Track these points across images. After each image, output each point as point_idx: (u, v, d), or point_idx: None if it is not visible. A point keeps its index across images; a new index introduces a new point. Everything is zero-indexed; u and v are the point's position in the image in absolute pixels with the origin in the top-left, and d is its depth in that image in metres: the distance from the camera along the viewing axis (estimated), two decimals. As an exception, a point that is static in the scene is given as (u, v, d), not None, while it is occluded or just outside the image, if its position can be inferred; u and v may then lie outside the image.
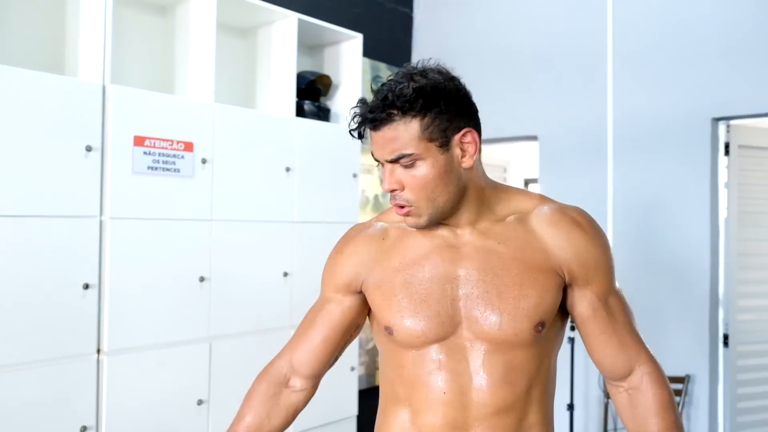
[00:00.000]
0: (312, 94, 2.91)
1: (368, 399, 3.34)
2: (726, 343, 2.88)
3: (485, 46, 3.44)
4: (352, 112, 1.17)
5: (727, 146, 2.88)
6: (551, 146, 3.24)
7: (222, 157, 2.42)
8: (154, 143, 2.22)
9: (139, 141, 2.17)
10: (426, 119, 1.12)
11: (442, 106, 1.13)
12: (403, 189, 1.14)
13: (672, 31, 2.91)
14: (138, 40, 2.54)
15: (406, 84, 1.12)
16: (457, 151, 1.15)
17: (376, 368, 3.45)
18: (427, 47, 3.68)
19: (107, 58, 2.13)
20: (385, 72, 3.54)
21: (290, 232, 2.66)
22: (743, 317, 2.92)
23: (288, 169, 2.64)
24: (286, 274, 2.62)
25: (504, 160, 4.20)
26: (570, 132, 3.18)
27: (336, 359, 1.36)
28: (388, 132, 1.12)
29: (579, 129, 3.15)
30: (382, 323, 1.23)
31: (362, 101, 1.16)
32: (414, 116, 1.11)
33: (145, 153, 2.19)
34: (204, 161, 2.36)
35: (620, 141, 3.03)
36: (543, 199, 1.26)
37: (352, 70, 3.04)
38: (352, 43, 3.03)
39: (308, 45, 3.09)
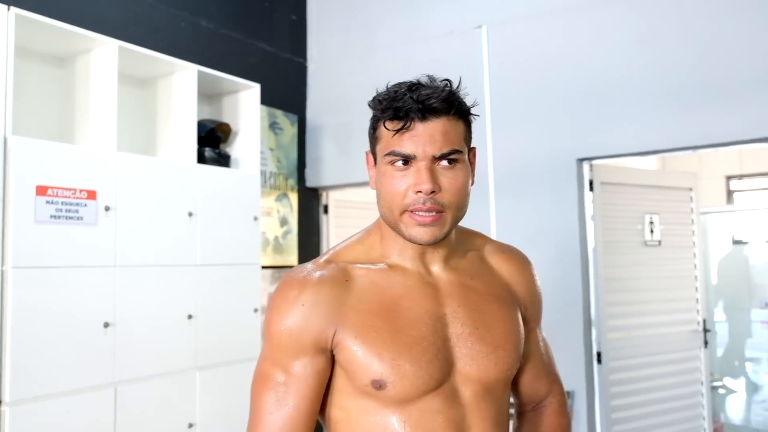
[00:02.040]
0: (212, 141, 3.02)
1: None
2: (599, 360, 3.19)
3: (373, 92, 3.67)
4: (394, 92, 1.07)
5: (591, 183, 3.24)
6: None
7: (125, 204, 2.47)
8: (57, 192, 2.25)
9: (41, 190, 2.21)
10: (466, 125, 1.11)
11: (470, 117, 1.12)
12: (440, 192, 1.05)
13: (540, 83, 3.26)
14: (39, 91, 2.57)
15: (459, 92, 1.10)
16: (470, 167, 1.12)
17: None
18: (321, 95, 3.89)
19: (8, 109, 2.17)
20: (282, 118, 3.71)
21: (193, 275, 2.73)
22: (613, 336, 3.25)
23: (190, 214, 2.72)
24: (190, 317, 2.68)
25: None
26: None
27: None
28: (441, 125, 1.05)
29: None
30: (367, 378, 1.04)
31: (400, 87, 1.07)
32: (461, 118, 1.09)
33: (47, 202, 2.22)
34: (107, 209, 2.41)
35: (500, 180, 3.33)
36: (485, 236, 1.27)
37: (250, 118, 3.17)
38: (250, 92, 3.18)
39: (208, 94, 3.21)
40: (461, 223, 1.17)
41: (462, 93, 1.11)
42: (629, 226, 3.39)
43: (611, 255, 3.29)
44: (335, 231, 3.98)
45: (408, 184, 1.05)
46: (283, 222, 3.69)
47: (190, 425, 2.65)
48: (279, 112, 3.70)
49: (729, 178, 5.31)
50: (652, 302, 3.41)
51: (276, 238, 3.64)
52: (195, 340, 2.71)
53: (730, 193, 5.36)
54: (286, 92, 3.79)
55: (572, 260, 3.16)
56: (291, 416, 1.04)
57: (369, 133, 1.14)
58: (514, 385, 1.27)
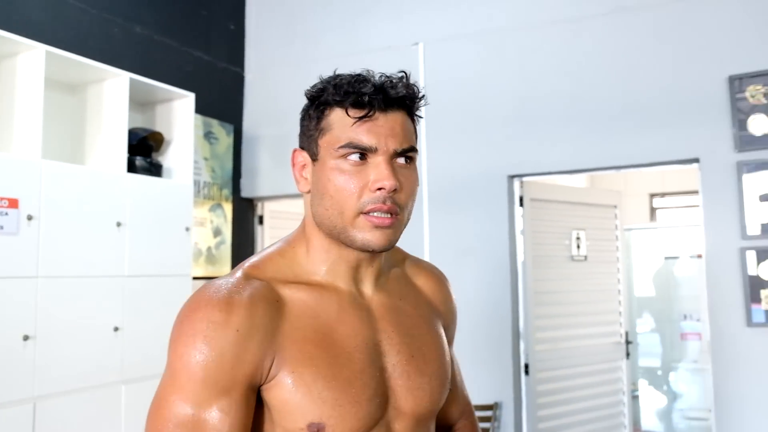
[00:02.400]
0: (144, 150, 2.96)
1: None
2: (527, 372, 3.28)
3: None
4: (351, 78, 0.96)
5: (521, 199, 3.34)
6: (374, 199, 3.53)
7: (49, 213, 2.40)
8: (-24, 200, 2.17)
9: (-42, 198, 2.12)
10: (415, 126, 1.01)
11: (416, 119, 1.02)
12: (400, 190, 0.94)
13: (474, 101, 3.34)
14: (-44, 95, 2.47)
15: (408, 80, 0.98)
16: None
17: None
18: (258, 105, 3.87)
19: (-76, 113, 2.08)
20: (218, 128, 3.67)
21: (121, 286, 2.66)
22: (540, 348, 3.35)
23: (119, 224, 2.66)
24: (116, 329, 2.62)
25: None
26: (391, 186, 3.49)
27: None
28: (401, 119, 0.96)
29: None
30: (303, 421, 0.88)
31: (351, 76, 0.97)
32: (414, 119, 1.00)
33: (-35, 210, 2.14)
34: (30, 217, 2.33)
35: (434, 195, 3.39)
36: (402, 251, 1.15)
37: (184, 127, 3.13)
38: (184, 101, 3.14)
39: (140, 102, 3.15)
40: None
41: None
42: (557, 242, 3.50)
43: (540, 269, 3.39)
44: (270, 242, 3.95)
45: (364, 181, 0.92)
46: (217, 232, 3.65)
47: (115, 441, 2.58)
48: (215, 122, 3.66)
49: (652, 195, 5.56)
50: (578, 315, 3.53)
51: (209, 248, 3.59)
52: (121, 353, 2.64)
53: (653, 210, 5.60)
54: (222, 102, 3.76)
55: (502, 274, 3.24)
56: None
57: (307, 125, 0.99)
58: None
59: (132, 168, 2.85)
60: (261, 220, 3.97)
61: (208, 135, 3.61)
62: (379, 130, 0.93)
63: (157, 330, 2.80)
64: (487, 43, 3.34)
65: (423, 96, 0.99)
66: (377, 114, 0.93)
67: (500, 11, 3.34)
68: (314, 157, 0.97)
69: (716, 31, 2.89)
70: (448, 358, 1.06)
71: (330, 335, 0.93)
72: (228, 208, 3.74)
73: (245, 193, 3.86)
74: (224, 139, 3.73)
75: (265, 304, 0.90)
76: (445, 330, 1.11)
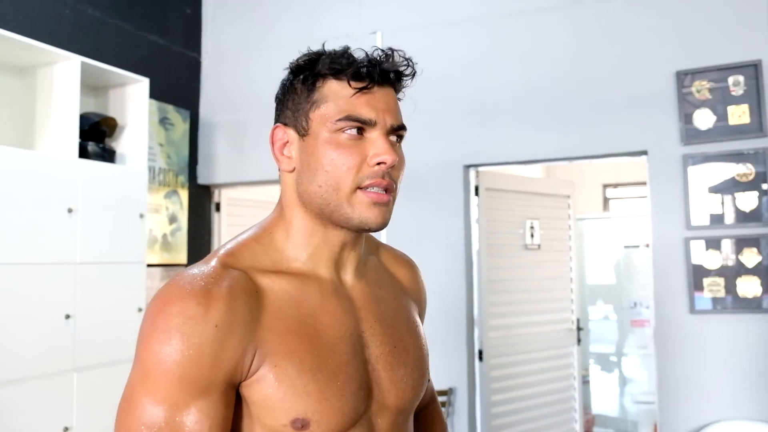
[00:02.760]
0: (96, 135, 2.91)
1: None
2: (481, 358, 3.35)
3: (271, 93, 3.63)
4: (347, 49, 0.94)
5: (477, 189, 3.39)
6: (332, 187, 3.54)
7: (-3, 198, 2.35)
8: None
9: None
10: None
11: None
12: (394, 169, 0.91)
13: (431, 91, 3.37)
14: None
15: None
16: None
17: None
18: (215, 91, 3.83)
19: None
20: (174, 114, 3.62)
21: (72, 273, 2.63)
22: (493, 334, 3.42)
23: (70, 210, 2.62)
24: (68, 316, 2.59)
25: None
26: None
27: None
28: (393, 94, 0.96)
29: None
30: (287, 417, 0.84)
31: (353, 51, 0.94)
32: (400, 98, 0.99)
33: None
34: (-24, 203, 2.28)
35: (391, 183, 3.41)
36: (373, 238, 1.12)
37: (138, 112, 3.09)
38: (138, 86, 3.09)
39: (93, 86, 3.09)
40: None
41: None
42: (511, 231, 3.57)
43: (494, 257, 3.45)
44: (228, 229, 3.94)
45: (363, 156, 0.88)
46: (173, 219, 3.61)
47: (66, 429, 2.55)
48: (170, 107, 3.61)
49: (606, 186, 5.69)
50: (531, 302, 3.61)
51: (164, 235, 3.56)
52: (73, 340, 2.61)
53: (606, 201, 5.74)
54: (178, 87, 3.71)
55: (457, 262, 3.29)
56: None
57: (292, 98, 0.95)
58: None
59: (84, 154, 2.80)
60: (218, 207, 3.94)
61: (163, 121, 3.56)
62: (377, 104, 0.90)
63: (111, 317, 2.77)
64: (444, 34, 3.37)
65: (415, 73, 0.98)
66: (375, 87, 0.91)
67: (458, 3, 3.37)
68: (303, 132, 0.92)
69: (666, 28, 2.97)
70: (426, 348, 1.03)
71: (313, 326, 0.88)
72: (184, 194, 3.70)
73: (202, 179, 3.83)
74: (180, 125, 3.69)
75: (244, 296, 0.84)
76: (419, 318, 1.10)
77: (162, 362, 0.78)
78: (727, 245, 2.82)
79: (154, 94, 3.36)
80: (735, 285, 2.80)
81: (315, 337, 0.87)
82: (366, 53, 0.93)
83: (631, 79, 3.00)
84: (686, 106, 2.88)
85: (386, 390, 0.93)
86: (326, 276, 0.94)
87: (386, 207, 0.90)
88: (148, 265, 3.29)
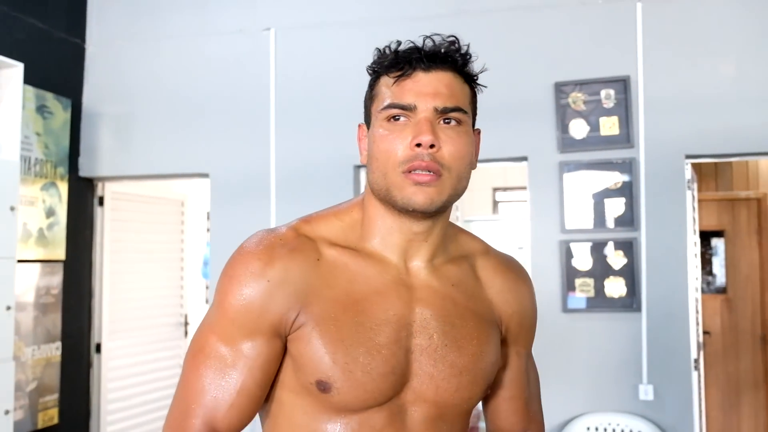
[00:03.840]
0: (-38, 121, 2.73)
1: (26, 443, 3.17)
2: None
3: (161, 85, 3.56)
4: (395, 45, 0.98)
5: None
6: (222, 184, 3.49)
7: None
8: None
9: None
10: (473, 93, 1.02)
11: (477, 92, 1.04)
12: (438, 150, 0.92)
13: (324, 90, 3.39)
14: None
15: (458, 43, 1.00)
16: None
17: (39, 410, 3.28)
18: (101, 80, 3.67)
19: None
20: (53, 102, 3.45)
21: (-70, 268, 2.45)
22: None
23: (-71, 201, 2.44)
24: (-77, 315, 2.41)
25: (182, 195, 4.33)
26: (238, 171, 3.46)
27: None
28: (447, 78, 0.96)
29: (246, 169, 3.45)
30: (313, 376, 0.92)
31: (407, 42, 0.99)
32: (468, 82, 1.01)
33: None
34: None
35: (282, 182, 3.40)
36: (485, 242, 1.11)
37: (11, 99, 2.91)
38: (11, 70, 2.91)
39: (-41, 68, 2.89)
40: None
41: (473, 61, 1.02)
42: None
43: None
44: (111, 224, 3.79)
45: (405, 140, 0.92)
46: (50, 213, 3.44)
47: None
48: (50, 95, 3.43)
49: (495, 189, 5.91)
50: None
51: (40, 230, 3.38)
52: (-72, 341, 2.44)
53: (495, 203, 5.96)
54: (58, 74, 3.53)
55: (346, 261, 3.31)
56: (232, 402, 0.91)
57: (366, 97, 1.03)
58: (485, 413, 1.13)
59: (-53, 140, 2.62)
60: (101, 202, 3.78)
61: (41, 109, 3.38)
62: (420, 89, 0.93)
63: (-27, 316, 2.61)
64: (337, 35, 3.39)
65: (467, 54, 1.00)
66: (419, 73, 0.94)
67: (350, 5, 3.41)
68: (369, 126, 1.00)
69: (546, 41, 3.14)
70: (492, 361, 1.00)
71: (361, 302, 0.94)
72: (63, 187, 3.53)
73: (84, 172, 3.66)
74: (60, 113, 3.51)
75: (302, 260, 0.94)
76: (506, 333, 1.06)
77: (221, 302, 0.94)
78: (597, 248, 3.01)
79: (31, 80, 3.18)
80: (603, 285, 2.99)
81: (359, 313, 0.93)
82: (413, 42, 0.98)
83: (513, 87, 3.13)
84: (563, 115, 3.05)
85: (425, 383, 0.95)
86: (393, 261, 0.98)
87: (431, 188, 0.92)
88: (21, 261, 3.12)
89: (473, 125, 1.02)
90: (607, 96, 3.01)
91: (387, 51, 0.98)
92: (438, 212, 0.97)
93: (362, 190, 3.42)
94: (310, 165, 3.38)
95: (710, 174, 4.93)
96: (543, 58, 3.13)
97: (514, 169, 5.72)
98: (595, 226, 3.02)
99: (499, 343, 1.04)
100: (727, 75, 2.94)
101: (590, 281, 3.00)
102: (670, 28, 3.01)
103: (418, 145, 0.92)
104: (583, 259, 3.02)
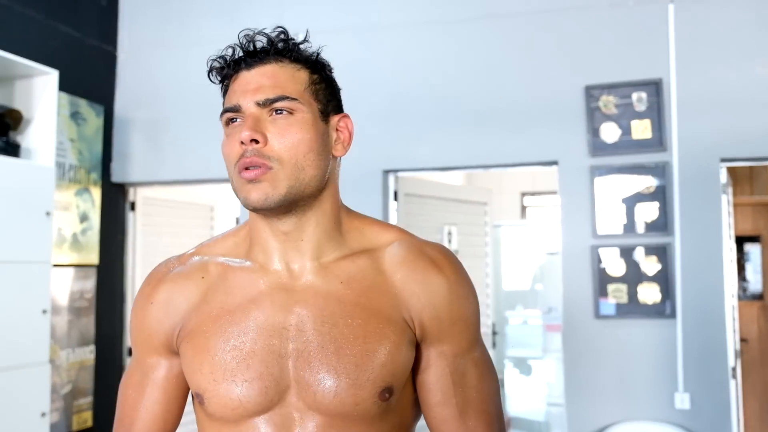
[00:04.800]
0: (0, 128, 2.79)
1: (60, 445, 3.22)
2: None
3: (191, 91, 3.59)
4: (221, 52, 0.97)
5: (396, 194, 3.43)
6: (251, 189, 3.51)
7: None
8: None
9: None
10: (315, 77, 0.97)
11: (327, 74, 1.01)
12: (266, 144, 0.90)
13: (350, 95, 3.38)
14: None
15: (295, 38, 0.97)
16: (332, 133, 0.98)
17: (74, 412, 3.34)
18: (132, 87, 3.73)
19: None
20: (86, 108, 3.51)
21: (-31, 272, 2.51)
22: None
23: (-33, 206, 2.50)
24: (-38, 318, 2.47)
25: (211, 200, 4.37)
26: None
27: None
28: (269, 70, 0.94)
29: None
30: (193, 388, 0.96)
31: (232, 47, 0.97)
32: (303, 68, 0.96)
33: None
34: None
35: (311, 186, 3.41)
36: (402, 232, 1.02)
37: (46, 106, 2.97)
38: (46, 78, 2.97)
39: (-4, 76, 2.96)
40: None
41: (309, 46, 0.99)
42: (430, 236, 3.61)
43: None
44: (143, 229, 3.84)
45: (237, 141, 0.92)
46: (84, 218, 3.49)
47: (-43, 437, 2.43)
48: (83, 102, 3.50)
49: (523, 194, 5.87)
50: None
51: (74, 234, 3.44)
52: (-33, 343, 2.49)
53: (523, 208, 5.92)
54: (91, 81, 3.59)
55: (375, 266, 3.31)
56: (143, 418, 1.00)
57: None
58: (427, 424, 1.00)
59: (-15, 147, 2.68)
60: (133, 207, 3.84)
61: (75, 115, 3.44)
62: (244, 88, 0.93)
63: (13, 319, 2.65)
64: (364, 40, 3.40)
65: (289, 44, 0.96)
66: (243, 73, 0.94)
67: (376, 8, 3.41)
68: None
69: (576, 44, 3.10)
70: (381, 360, 0.90)
71: (233, 313, 0.94)
72: (96, 192, 3.59)
73: (116, 177, 3.72)
74: (93, 120, 3.57)
75: (185, 281, 0.99)
76: (423, 331, 0.95)
77: (130, 330, 1.05)
78: (630, 253, 2.96)
79: (65, 87, 3.24)
80: (636, 291, 2.95)
81: (229, 324, 0.93)
82: (232, 48, 0.97)
83: (544, 91, 3.11)
84: (594, 119, 3.01)
85: (305, 389, 0.90)
86: (274, 268, 0.96)
87: (261, 183, 0.90)
88: (57, 265, 3.17)
89: (328, 110, 0.98)
90: (639, 99, 2.97)
91: (216, 59, 0.98)
92: (292, 206, 0.93)
93: (392, 196, 3.44)
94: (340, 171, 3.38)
95: (745, 178, 4.83)
96: (573, 62, 3.10)
97: (542, 174, 5.68)
98: (627, 231, 2.97)
99: (407, 342, 0.93)
100: (762, 76, 2.88)
101: (623, 287, 2.96)
102: (703, 29, 2.96)
103: (242, 142, 0.91)
104: (615, 265, 2.97)
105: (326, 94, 0.98)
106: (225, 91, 0.98)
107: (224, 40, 1.07)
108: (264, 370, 0.90)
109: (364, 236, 1.00)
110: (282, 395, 0.91)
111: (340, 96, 1.04)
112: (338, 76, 3.46)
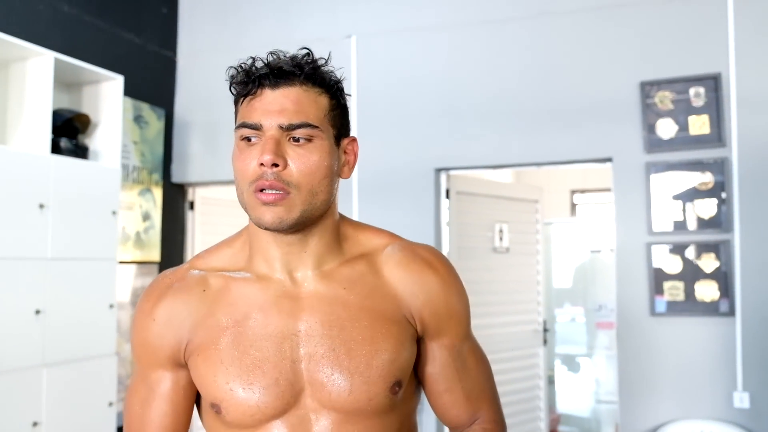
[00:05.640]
0: (69, 131, 2.88)
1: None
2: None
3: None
4: (243, 65, 0.96)
5: (447, 192, 3.42)
6: (306, 188, 3.54)
7: (-33, 193, 2.32)
8: None
9: None
10: (333, 102, 0.97)
11: (343, 100, 1.00)
12: (285, 168, 0.92)
13: (404, 95, 3.39)
14: None
15: (318, 61, 0.97)
16: (341, 156, 1.00)
17: (136, 404, 3.42)
18: (191, 90, 3.81)
19: None
20: (148, 112, 3.60)
21: (43, 268, 2.59)
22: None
23: (42, 206, 2.59)
24: (38, 312, 2.55)
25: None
26: (322, 176, 3.50)
27: None
28: (293, 94, 0.93)
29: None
30: (208, 399, 0.97)
31: (254, 59, 0.96)
32: (324, 93, 0.96)
33: None
34: (-55, 197, 2.24)
35: (363, 186, 3.43)
36: (392, 236, 1.07)
37: (112, 110, 3.06)
38: (112, 83, 3.06)
39: (66, 83, 3.05)
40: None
41: (331, 69, 0.99)
42: (481, 233, 3.60)
43: (464, 260, 3.48)
44: (201, 228, 3.92)
45: (255, 159, 0.92)
46: (146, 217, 3.58)
47: (35, 424, 2.52)
48: (145, 106, 3.58)
49: (573, 192, 5.77)
50: (499, 304, 3.64)
51: (138, 233, 3.53)
52: (43, 336, 2.58)
53: (573, 206, 5.83)
54: (153, 86, 3.68)
55: (427, 263, 3.30)
56: (153, 429, 0.99)
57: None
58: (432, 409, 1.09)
59: (57, 149, 2.77)
60: (192, 206, 3.92)
61: (138, 119, 3.53)
62: (266, 107, 0.92)
63: (82, 313, 2.74)
64: (418, 40, 3.39)
65: (318, 66, 0.96)
66: (266, 91, 0.93)
67: (430, 9, 3.40)
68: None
69: (631, 40, 3.04)
70: (388, 357, 0.96)
71: (241, 323, 0.96)
72: (158, 192, 3.68)
73: (176, 178, 3.80)
74: (155, 123, 3.66)
75: (186, 295, 0.99)
76: (424, 327, 1.01)
77: (131, 346, 1.03)
78: (687, 251, 2.88)
79: (129, 91, 3.33)
80: (693, 289, 2.87)
81: (240, 334, 0.95)
82: (260, 59, 0.95)
83: (596, 88, 3.05)
84: (649, 115, 2.94)
85: (319, 390, 0.94)
86: (277, 277, 0.98)
87: (278, 207, 0.91)
88: (121, 262, 3.26)
89: (341, 134, 0.99)
90: (697, 94, 2.88)
91: (239, 70, 0.96)
92: (301, 226, 0.95)
93: (443, 193, 3.42)
94: (391, 169, 3.39)
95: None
96: (627, 57, 3.03)
97: (593, 172, 5.58)
98: (683, 228, 2.90)
99: (410, 338, 1.00)
100: (827, 69, 2.76)
101: (680, 284, 2.88)
102: (763, 23, 2.86)
103: (261, 164, 0.91)
104: (671, 262, 2.90)
105: (341, 119, 1.00)
106: (237, 100, 0.97)
107: (277, 45, 1.09)
108: (279, 375, 0.94)
109: (359, 242, 1.04)
110: (297, 397, 0.94)
111: (349, 119, 1.04)
112: (392, 76, 3.49)
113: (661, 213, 2.93)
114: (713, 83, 2.86)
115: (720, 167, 2.85)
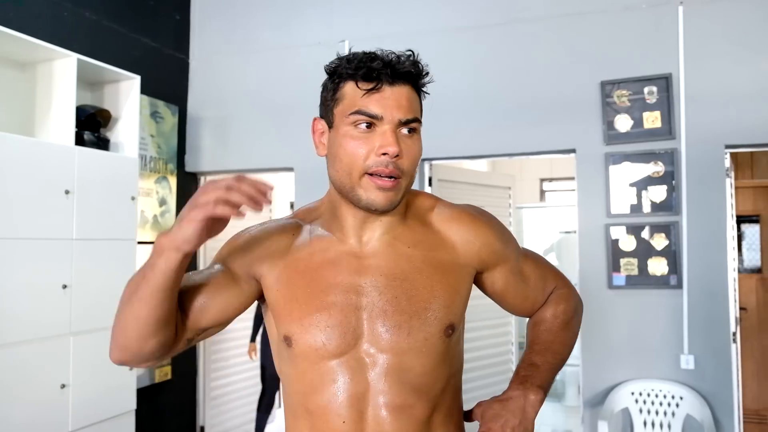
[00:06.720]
0: (92, 125, 2.86)
1: (148, 395, 3.31)
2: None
3: (252, 92, 3.64)
4: (364, 54, 0.96)
5: (430, 180, 3.42)
6: (305, 176, 3.54)
7: (1, 180, 2.30)
8: (-74, 166, 2.05)
9: None
10: (421, 100, 1.02)
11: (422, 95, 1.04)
12: (401, 157, 0.94)
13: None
14: None
15: (420, 65, 1.00)
16: None
17: (156, 367, 3.43)
18: (202, 89, 3.78)
19: None
20: (164, 109, 3.57)
21: (69, 248, 2.59)
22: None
23: (67, 192, 2.57)
24: (65, 286, 2.55)
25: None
26: (319, 166, 3.49)
27: (195, 340, 1.03)
28: (407, 91, 0.96)
29: (324, 164, 3.48)
30: (281, 332, 1.00)
31: (364, 53, 0.97)
32: (420, 92, 1.01)
33: None
34: (-20, 184, 2.22)
35: (356, 174, 3.42)
36: (436, 198, 1.11)
37: (130, 106, 3.03)
38: (130, 82, 3.03)
39: (89, 82, 3.02)
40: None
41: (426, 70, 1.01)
42: (460, 216, 3.59)
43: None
44: (212, 212, 3.90)
45: (371, 146, 0.93)
46: (162, 202, 3.57)
47: (63, 386, 2.52)
48: (161, 103, 3.55)
49: (542, 180, 5.78)
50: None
51: (155, 216, 3.52)
52: (69, 307, 2.57)
53: (542, 192, 5.83)
54: (167, 84, 3.65)
55: (412, 243, 3.31)
56: (188, 290, 0.98)
57: (325, 96, 1.01)
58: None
59: (80, 141, 2.75)
60: (203, 192, 3.89)
61: (154, 114, 3.50)
62: (385, 102, 0.94)
63: (104, 288, 2.73)
64: (405, 44, 3.35)
65: (427, 72, 1.00)
66: (384, 86, 0.94)
67: (416, 16, 3.38)
68: (330, 125, 1.00)
69: (593, 44, 3.03)
70: (449, 302, 0.99)
71: (317, 271, 0.99)
72: (173, 180, 3.66)
73: (189, 167, 3.78)
74: (170, 118, 3.63)
75: (279, 234, 1.04)
76: (485, 264, 1.06)
77: (225, 246, 1.07)
78: (641, 231, 2.90)
79: (146, 90, 3.30)
80: (646, 265, 2.89)
81: (313, 279, 0.99)
82: (381, 56, 0.96)
83: (562, 87, 3.05)
84: (608, 111, 2.94)
85: (378, 335, 0.96)
86: (348, 239, 1.01)
87: (391, 192, 0.94)
88: (140, 243, 3.25)
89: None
90: (650, 92, 2.88)
91: (353, 59, 0.97)
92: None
93: (427, 181, 3.42)
94: (381, 159, 3.37)
95: (746, 163, 4.67)
96: (590, 60, 3.02)
97: (559, 161, 5.58)
98: (638, 211, 2.91)
99: (465, 285, 1.04)
100: (765, 71, 2.77)
101: (634, 261, 2.90)
102: (709, 28, 2.85)
103: (385, 153, 0.93)
104: (627, 241, 2.92)
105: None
106: (336, 87, 0.98)
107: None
108: (343, 319, 0.96)
109: (413, 206, 1.07)
110: (357, 341, 0.96)
111: None
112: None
113: (618, 198, 2.94)
114: (665, 83, 2.86)
115: (670, 158, 2.86)
